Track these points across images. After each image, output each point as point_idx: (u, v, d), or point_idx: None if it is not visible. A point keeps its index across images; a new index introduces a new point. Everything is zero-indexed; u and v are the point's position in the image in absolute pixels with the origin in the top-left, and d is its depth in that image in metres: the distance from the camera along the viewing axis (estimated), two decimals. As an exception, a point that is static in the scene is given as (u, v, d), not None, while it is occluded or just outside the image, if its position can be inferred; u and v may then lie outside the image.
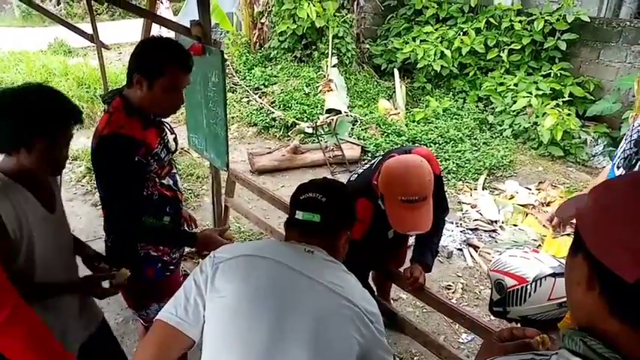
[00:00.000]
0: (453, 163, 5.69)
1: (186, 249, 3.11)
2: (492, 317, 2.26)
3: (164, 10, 11.78)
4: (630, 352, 0.66)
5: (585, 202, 0.74)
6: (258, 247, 1.35)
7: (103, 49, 4.62)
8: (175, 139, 2.12)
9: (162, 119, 2.00)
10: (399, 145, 6.11)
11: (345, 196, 1.48)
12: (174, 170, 2.17)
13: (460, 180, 5.45)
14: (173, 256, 2.14)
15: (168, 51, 1.81)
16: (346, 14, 7.83)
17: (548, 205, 4.82)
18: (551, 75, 6.76)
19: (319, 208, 1.36)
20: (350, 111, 6.88)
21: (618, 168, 1.98)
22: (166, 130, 2.04)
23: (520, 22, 7.03)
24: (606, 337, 0.68)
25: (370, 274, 2.77)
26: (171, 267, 2.15)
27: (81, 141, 6.33)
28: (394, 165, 1.94)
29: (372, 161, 2.30)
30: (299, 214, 1.37)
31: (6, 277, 1.28)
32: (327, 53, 7.56)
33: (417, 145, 2.44)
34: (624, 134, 5.89)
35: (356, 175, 2.31)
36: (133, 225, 1.85)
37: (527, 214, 4.66)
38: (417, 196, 1.87)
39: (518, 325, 1.94)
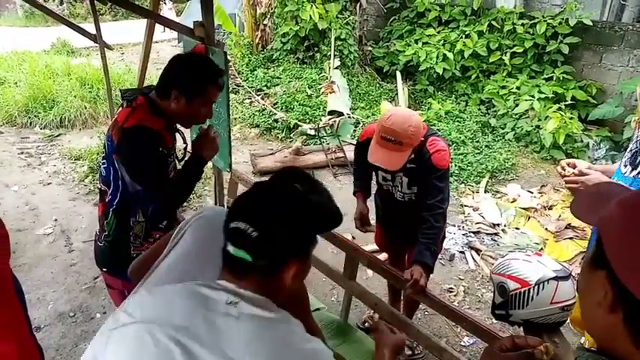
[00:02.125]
0: (455, 166, 5.68)
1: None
2: (494, 320, 2.26)
3: (167, 11, 11.83)
4: None
5: (611, 210, 0.68)
6: (165, 306, 1.00)
7: (105, 49, 4.63)
8: (185, 148, 2.18)
9: (178, 127, 2.07)
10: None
11: (288, 223, 1.03)
12: None
13: (462, 183, 5.45)
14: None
15: (210, 72, 1.93)
16: (349, 16, 7.85)
17: (550, 208, 4.82)
18: (554, 78, 6.76)
19: (249, 246, 1.00)
20: (352, 113, 6.89)
21: (625, 166, 1.99)
22: (179, 139, 2.10)
23: (522, 25, 7.03)
24: None
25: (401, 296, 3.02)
26: None
27: (83, 141, 6.35)
28: (391, 109, 2.23)
29: None
30: (230, 247, 1.03)
31: (3, 290, 1.27)
32: (330, 55, 7.57)
33: (440, 133, 2.56)
34: (627, 138, 5.88)
35: None
36: (173, 200, 1.96)
37: (529, 218, 4.65)
38: (392, 137, 2.14)
39: (521, 328, 1.93)
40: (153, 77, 8.78)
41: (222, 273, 1.06)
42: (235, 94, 7.50)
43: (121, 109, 1.99)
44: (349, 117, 6.70)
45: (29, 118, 6.90)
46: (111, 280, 2.10)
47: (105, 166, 1.96)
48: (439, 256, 4.00)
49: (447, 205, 2.37)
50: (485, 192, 5.25)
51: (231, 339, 0.94)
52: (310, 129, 6.43)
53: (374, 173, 2.59)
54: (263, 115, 6.99)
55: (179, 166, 2.09)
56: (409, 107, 7.28)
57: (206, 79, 1.91)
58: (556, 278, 1.82)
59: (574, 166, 2.01)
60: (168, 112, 1.92)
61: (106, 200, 1.99)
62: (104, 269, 2.10)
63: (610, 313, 0.65)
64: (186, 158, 2.09)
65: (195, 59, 2.02)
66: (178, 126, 2.06)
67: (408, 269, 2.23)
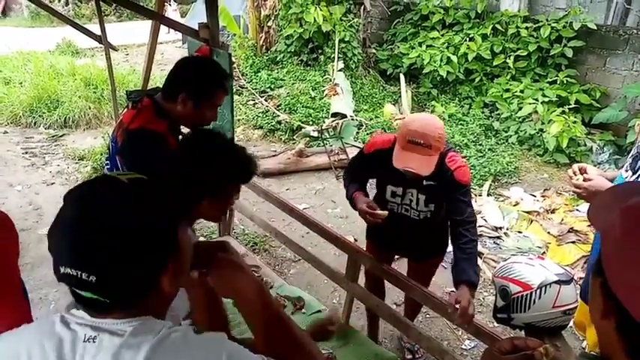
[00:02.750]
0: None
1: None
2: (496, 324, 2.26)
3: (171, 12, 11.87)
4: None
5: (613, 217, 0.66)
6: (12, 346, 0.84)
7: (110, 50, 4.65)
8: None
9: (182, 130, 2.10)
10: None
11: (129, 248, 0.80)
12: None
13: (465, 186, 5.43)
14: None
15: (217, 77, 1.97)
16: (353, 19, 7.85)
17: (553, 212, 4.81)
18: (558, 82, 6.75)
19: (94, 290, 0.80)
20: (355, 115, 6.89)
21: (627, 171, 1.99)
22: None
23: (526, 28, 7.02)
24: None
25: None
26: None
27: (87, 141, 6.38)
28: (414, 114, 2.16)
29: None
30: (74, 289, 0.82)
31: (12, 286, 1.27)
32: (334, 57, 7.58)
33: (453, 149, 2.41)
34: (630, 142, 5.87)
35: None
36: None
37: (531, 221, 4.64)
38: (421, 140, 2.04)
39: (522, 332, 1.93)
40: (157, 78, 8.78)
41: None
42: (239, 95, 7.52)
43: (126, 110, 2.01)
44: (352, 119, 6.70)
45: (33, 118, 6.93)
46: None
47: (109, 167, 1.98)
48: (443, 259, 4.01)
49: (474, 222, 2.28)
50: (488, 195, 5.24)
51: None
52: (313, 131, 6.44)
53: (380, 188, 2.43)
54: (266, 116, 7.00)
55: None
56: (412, 110, 7.28)
57: (214, 83, 1.94)
58: (558, 282, 1.82)
59: (584, 171, 1.99)
60: (173, 114, 1.93)
61: None
62: None
63: (603, 319, 0.65)
64: None
65: (203, 63, 2.04)
66: (182, 128, 2.08)
67: (453, 293, 2.09)
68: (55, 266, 0.81)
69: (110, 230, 0.78)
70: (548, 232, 4.42)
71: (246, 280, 1.02)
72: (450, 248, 2.34)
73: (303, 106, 6.99)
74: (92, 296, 0.80)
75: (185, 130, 2.11)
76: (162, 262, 0.85)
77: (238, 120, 6.99)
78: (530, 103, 6.51)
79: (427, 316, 3.41)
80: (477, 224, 2.43)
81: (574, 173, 2.02)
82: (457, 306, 1.97)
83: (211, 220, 1.60)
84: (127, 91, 2.09)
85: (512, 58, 7.10)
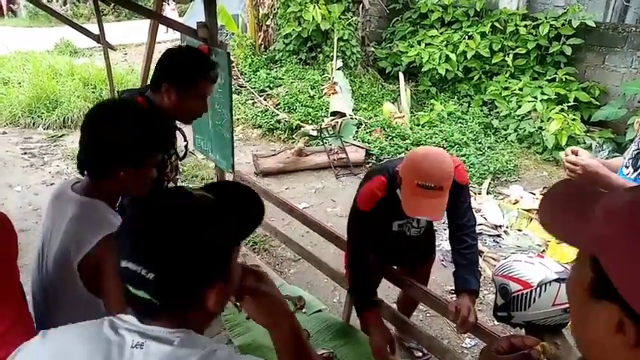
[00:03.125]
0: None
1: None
2: (496, 322, 2.26)
3: (170, 12, 11.84)
4: None
5: (603, 228, 0.59)
6: (61, 354, 0.87)
7: (109, 49, 4.64)
8: (186, 146, 2.18)
9: (179, 126, 2.07)
10: (403, 149, 6.11)
11: (186, 254, 0.84)
12: (178, 176, 2.22)
13: (464, 184, 5.44)
14: None
15: (199, 63, 1.89)
16: (351, 17, 7.85)
17: None
18: (557, 80, 6.75)
19: (148, 288, 0.84)
20: (354, 114, 6.89)
21: (627, 167, 1.99)
22: (180, 136, 2.09)
23: (525, 26, 7.03)
24: None
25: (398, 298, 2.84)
26: None
27: (86, 141, 6.36)
28: (419, 152, 1.98)
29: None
30: (129, 287, 0.86)
31: (11, 286, 1.27)
32: (332, 56, 7.57)
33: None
34: (629, 139, 5.87)
35: (387, 161, 2.34)
36: None
37: (531, 219, 4.64)
38: (433, 183, 1.87)
39: (522, 330, 1.93)
40: (156, 78, 8.76)
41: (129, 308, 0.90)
42: (238, 94, 7.51)
43: None
44: (351, 118, 6.70)
45: (32, 118, 6.92)
46: None
47: None
48: (441, 258, 4.01)
49: (474, 226, 2.26)
50: (487, 193, 5.25)
51: None
52: (312, 130, 6.43)
53: (385, 225, 2.29)
54: (265, 115, 7.00)
55: (180, 165, 2.11)
56: (412, 108, 7.28)
57: (196, 71, 1.88)
58: (558, 280, 1.81)
59: (577, 154, 1.94)
60: (163, 108, 1.90)
61: None
62: None
63: (633, 348, 0.56)
64: (187, 157, 2.11)
65: (185, 52, 1.98)
66: (179, 124, 2.06)
67: (454, 301, 2.08)
68: (116, 260, 0.86)
69: (175, 234, 0.83)
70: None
71: (283, 313, 1.07)
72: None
73: (302, 105, 6.99)
74: (145, 296, 0.84)
75: (182, 126, 2.11)
76: (212, 277, 0.88)
77: (237, 119, 6.98)
78: (529, 101, 6.51)
79: (427, 314, 3.41)
80: (477, 223, 2.43)
81: (566, 155, 1.99)
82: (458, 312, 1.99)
83: (137, 194, 1.51)
84: (119, 91, 2.08)
85: (511, 56, 7.10)
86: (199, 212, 0.88)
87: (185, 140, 2.17)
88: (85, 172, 1.43)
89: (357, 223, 2.20)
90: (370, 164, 5.97)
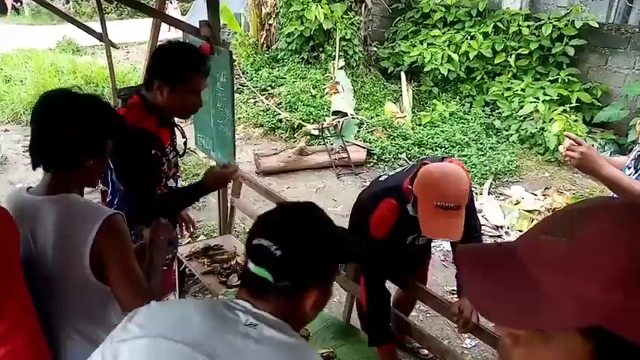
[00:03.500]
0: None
1: (185, 251, 3.12)
2: (497, 323, 2.25)
3: (172, 10, 11.86)
4: None
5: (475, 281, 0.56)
6: (179, 322, 0.98)
7: (111, 47, 4.65)
8: (185, 143, 2.17)
9: (177, 122, 2.07)
10: (404, 148, 6.11)
11: (313, 246, 1.02)
12: (179, 173, 2.20)
13: (466, 184, 5.43)
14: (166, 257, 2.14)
15: (190, 58, 1.87)
16: (354, 16, 7.84)
17: (554, 211, 4.80)
18: (559, 80, 6.74)
19: (271, 265, 0.98)
20: (356, 113, 6.88)
21: (629, 168, 1.99)
22: (178, 132, 2.08)
23: (528, 27, 7.01)
24: None
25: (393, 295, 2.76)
26: (164, 267, 2.15)
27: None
28: (434, 170, 1.90)
29: (405, 166, 2.30)
30: (251, 265, 1.00)
31: (14, 280, 1.27)
32: (334, 55, 7.57)
33: (448, 155, 2.21)
34: (632, 141, 5.86)
35: (386, 176, 2.28)
36: (154, 208, 1.88)
37: (532, 220, 4.64)
38: (453, 203, 1.83)
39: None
40: (158, 76, 8.75)
41: (240, 292, 1.04)
42: (240, 93, 7.51)
43: (117, 109, 1.97)
44: (353, 117, 6.70)
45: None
46: None
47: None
48: (442, 258, 4.01)
49: (480, 232, 2.26)
50: (488, 194, 5.24)
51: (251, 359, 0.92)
52: (314, 129, 6.43)
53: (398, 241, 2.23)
54: (267, 114, 7.00)
55: (180, 162, 2.09)
56: (413, 108, 7.28)
57: (186, 67, 1.86)
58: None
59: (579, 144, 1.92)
60: (158, 105, 1.88)
61: (107, 200, 2.00)
62: None
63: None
64: (186, 153, 2.10)
65: (173, 48, 1.94)
66: (177, 120, 2.05)
67: (456, 302, 2.08)
68: (249, 240, 1.03)
69: (309, 231, 1.03)
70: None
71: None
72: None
73: (303, 105, 6.98)
74: (264, 273, 0.98)
75: (182, 124, 2.10)
76: (318, 279, 1.04)
77: (239, 118, 6.98)
78: (531, 102, 6.50)
79: (428, 315, 3.41)
80: (480, 223, 2.44)
81: (569, 139, 1.97)
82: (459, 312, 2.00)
83: (90, 186, 1.52)
84: (117, 90, 2.08)
85: (513, 56, 7.09)
86: (328, 228, 1.09)
87: (184, 137, 2.16)
88: (44, 171, 1.43)
89: (373, 247, 2.09)
90: (371, 164, 5.97)
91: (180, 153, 2.13)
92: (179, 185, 2.25)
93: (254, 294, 1.01)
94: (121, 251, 1.38)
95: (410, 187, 1.96)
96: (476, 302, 0.59)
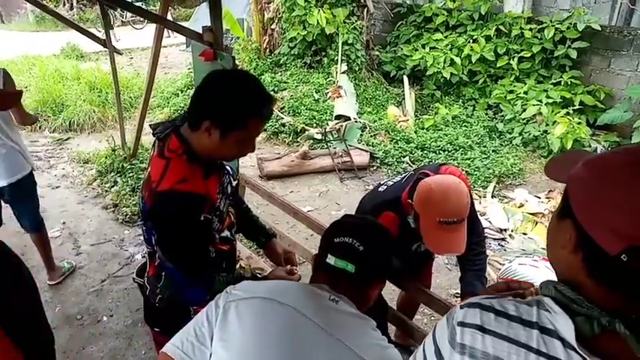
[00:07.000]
0: (462, 170, 5.66)
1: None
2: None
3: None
4: (603, 304, 0.75)
5: (579, 170, 0.79)
6: (279, 290, 1.21)
7: (115, 53, 4.68)
8: (236, 184, 1.90)
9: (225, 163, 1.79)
10: (408, 152, 6.11)
11: (385, 246, 1.34)
12: (234, 219, 1.87)
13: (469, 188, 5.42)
14: None
15: (253, 100, 1.50)
16: (356, 21, 7.86)
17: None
18: (562, 83, 6.74)
19: (354, 258, 1.23)
20: (359, 117, 6.89)
21: None
22: (226, 174, 1.76)
23: (530, 30, 7.02)
24: (582, 289, 0.78)
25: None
26: None
27: (92, 145, 6.40)
28: (433, 186, 1.88)
29: (403, 175, 2.25)
30: (331, 259, 1.24)
31: None
32: (337, 60, 7.59)
33: (445, 163, 2.20)
34: (636, 143, 5.84)
35: (385, 187, 2.26)
36: (208, 283, 1.65)
37: (536, 223, 4.63)
38: (455, 217, 1.84)
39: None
40: (161, 81, 8.82)
41: (314, 280, 1.29)
42: (243, 98, 7.52)
43: (153, 151, 1.66)
44: (356, 121, 6.71)
45: (39, 121, 6.97)
46: (162, 339, 1.58)
47: (145, 228, 1.71)
48: (446, 261, 4.01)
49: (483, 236, 2.27)
50: (492, 197, 5.23)
51: (340, 327, 1.15)
52: (317, 133, 6.44)
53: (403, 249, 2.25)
54: (270, 119, 6.99)
55: (232, 209, 1.84)
56: (416, 112, 7.28)
57: (248, 110, 1.49)
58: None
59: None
60: (202, 149, 1.55)
61: (156, 263, 1.74)
62: (156, 329, 1.88)
63: (572, 253, 0.78)
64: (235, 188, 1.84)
65: (233, 82, 1.53)
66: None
67: (459, 304, 2.10)
68: (331, 239, 1.30)
69: (383, 238, 1.37)
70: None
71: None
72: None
73: (306, 109, 7.00)
74: (345, 264, 1.23)
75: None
76: (385, 275, 1.38)
77: (242, 123, 6.99)
78: (534, 105, 6.50)
79: (432, 318, 3.40)
80: (482, 226, 2.43)
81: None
82: None
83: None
84: (150, 125, 1.67)
85: (515, 59, 7.09)
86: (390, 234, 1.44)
87: (235, 180, 1.87)
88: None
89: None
90: (375, 167, 5.97)
91: (229, 195, 1.77)
92: (234, 233, 1.90)
93: (331, 282, 1.24)
94: None
95: (409, 201, 1.95)
96: (549, 171, 0.88)
